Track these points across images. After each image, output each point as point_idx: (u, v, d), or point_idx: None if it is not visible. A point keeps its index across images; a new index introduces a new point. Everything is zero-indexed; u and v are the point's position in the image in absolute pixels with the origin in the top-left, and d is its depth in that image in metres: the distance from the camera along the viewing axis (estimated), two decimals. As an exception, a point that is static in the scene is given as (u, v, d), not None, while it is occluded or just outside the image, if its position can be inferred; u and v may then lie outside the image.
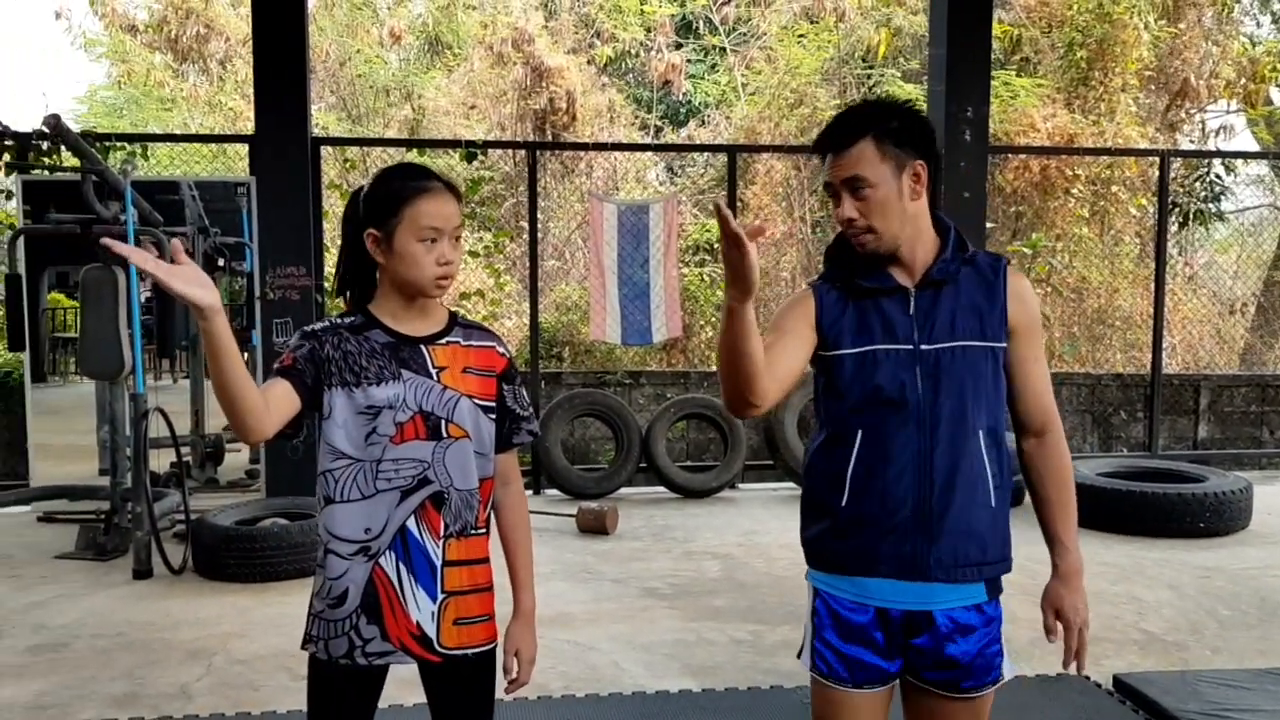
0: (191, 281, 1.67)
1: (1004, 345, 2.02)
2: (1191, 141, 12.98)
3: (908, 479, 1.96)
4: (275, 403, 1.90)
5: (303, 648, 2.06)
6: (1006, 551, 2.05)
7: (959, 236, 2.04)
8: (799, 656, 2.12)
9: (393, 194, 1.97)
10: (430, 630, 2.01)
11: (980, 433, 1.98)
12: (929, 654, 2.01)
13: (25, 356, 6.63)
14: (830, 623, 2.04)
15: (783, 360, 1.97)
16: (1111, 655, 4.12)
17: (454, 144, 7.99)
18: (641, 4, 14.29)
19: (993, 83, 7.80)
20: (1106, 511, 6.02)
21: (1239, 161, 11.45)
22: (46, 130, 5.41)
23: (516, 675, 2.13)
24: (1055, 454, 2.09)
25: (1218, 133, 13.11)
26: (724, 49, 14.24)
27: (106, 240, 1.87)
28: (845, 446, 2.00)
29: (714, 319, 10.07)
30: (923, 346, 1.97)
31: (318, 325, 2.05)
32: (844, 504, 2.00)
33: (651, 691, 3.71)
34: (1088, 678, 3.84)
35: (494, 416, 2.08)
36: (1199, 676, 3.79)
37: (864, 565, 2.00)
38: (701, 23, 14.68)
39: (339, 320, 2.05)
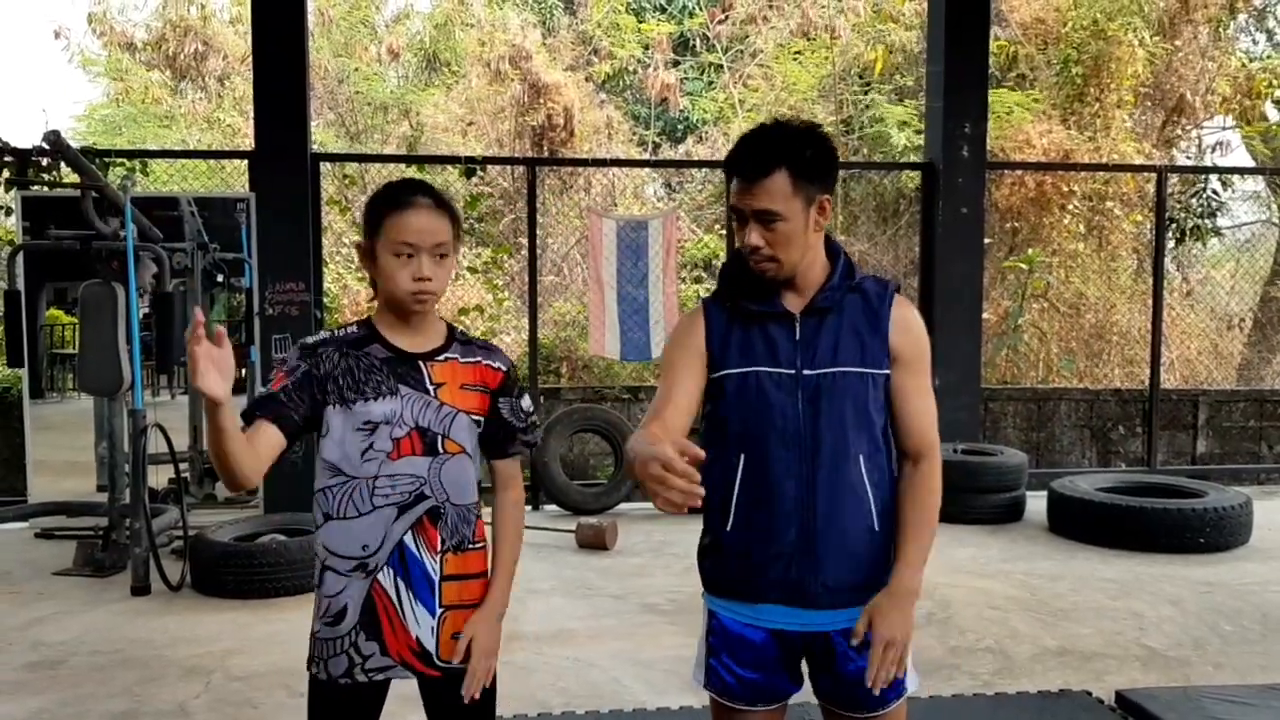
0: (218, 373, 1.74)
1: (886, 372, 2.02)
2: (1188, 157, 13.02)
3: (790, 505, 1.97)
4: (263, 451, 1.94)
5: (308, 669, 2.06)
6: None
7: (848, 263, 2.05)
8: (694, 675, 2.13)
9: (376, 208, 2.02)
10: (430, 645, 2.01)
11: (861, 458, 1.99)
12: (827, 673, 2.03)
13: (24, 372, 6.62)
14: (726, 645, 2.05)
15: (681, 410, 1.99)
16: (1114, 671, 4.11)
17: (453, 160, 8.00)
18: (639, 22, 14.36)
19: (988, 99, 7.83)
20: (1105, 527, 6.01)
21: (1235, 177, 11.50)
22: (46, 146, 5.42)
23: (469, 666, 2.00)
24: (925, 483, 2.04)
25: (1214, 148, 13.16)
26: (721, 66, 14.30)
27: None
28: (730, 471, 2.01)
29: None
30: (805, 371, 1.98)
31: (315, 339, 2.06)
32: (729, 529, 2.02)
33: (653, 709, 3.69)
34: (1089, 693, 3.83)
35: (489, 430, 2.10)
36: (1202, 693, 3.78)
37: (752, 591, 2.02)
38: (698, 40, 14.74)
39: (339, 333, 2.06)
